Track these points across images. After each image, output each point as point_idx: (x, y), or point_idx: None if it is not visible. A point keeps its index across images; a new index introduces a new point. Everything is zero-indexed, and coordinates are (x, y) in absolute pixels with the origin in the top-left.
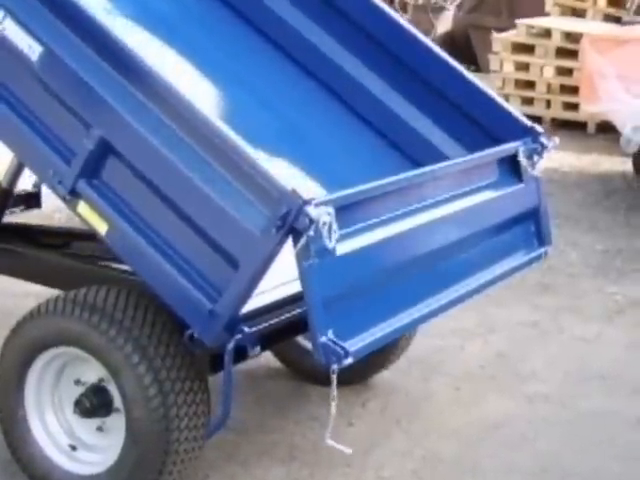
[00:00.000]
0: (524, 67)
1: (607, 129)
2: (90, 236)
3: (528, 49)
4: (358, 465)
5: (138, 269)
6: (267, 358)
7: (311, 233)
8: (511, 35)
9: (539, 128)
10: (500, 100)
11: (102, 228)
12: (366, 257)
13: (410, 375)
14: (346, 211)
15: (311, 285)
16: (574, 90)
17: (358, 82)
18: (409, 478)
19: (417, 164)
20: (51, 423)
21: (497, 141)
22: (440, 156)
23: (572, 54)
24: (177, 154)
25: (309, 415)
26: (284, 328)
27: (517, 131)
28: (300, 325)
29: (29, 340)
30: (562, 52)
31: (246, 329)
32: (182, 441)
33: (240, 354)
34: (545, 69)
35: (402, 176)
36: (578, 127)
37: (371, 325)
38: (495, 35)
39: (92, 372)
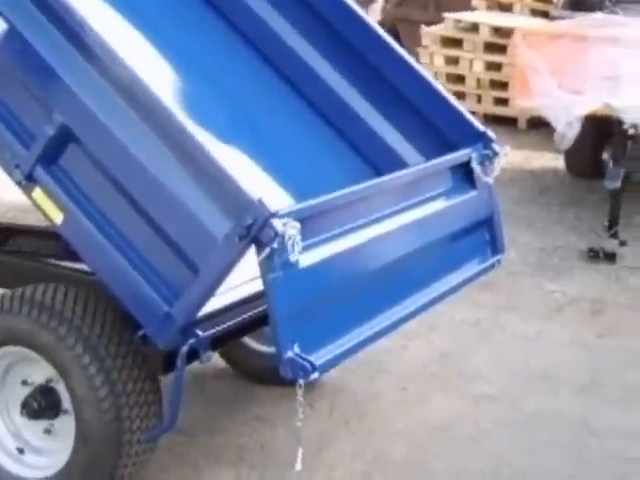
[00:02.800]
0: (454, 61)
1: (538, 125)
2: (29, 232)
3: (457, 43)
4: (308, 466)
5: (92, 264)
6: (213, 358)
7: (275, 245)
8: (439, 29)
9: (491, 134)
10: (455, 103)
11: (57, 217)
12: (329, 268)
13: (356, 374)
14: (309, 222)
15: (276, 298)
16: (504, 85)
17: (318, 76)
18: (360, 479)
19: (369, 162)
20: (1, 425)
21: (449, 146)
22: (393, 157)
23: (501, 49)
24: (141, 150)
25: (255, 416)
26: (235, 330)
27: (470, 136)
28: (249, 327)
29: None
30: (491, 47)
31: (200, 333)
32: (134, 443)
33: (191, 356)
34: (474, 63)
35: (363, 185)
36: (509, 123)
37: (336, 337)
38: (424, 29)
39: (40, 372)
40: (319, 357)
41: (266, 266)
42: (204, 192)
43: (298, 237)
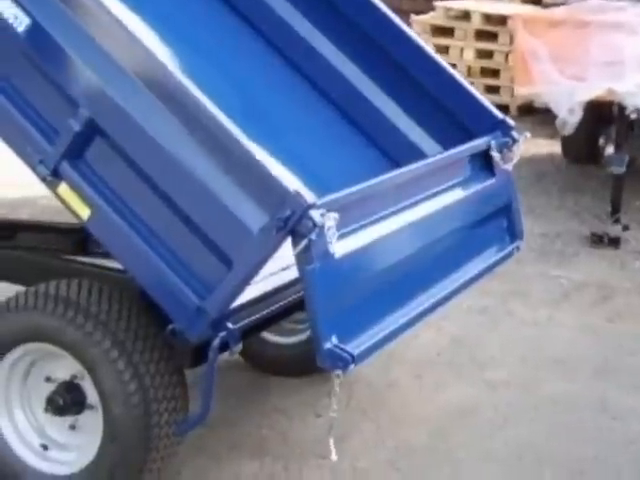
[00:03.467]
0: (444, 50)
1: (530, 111)
2: (35, 227)
3: (447, 32)
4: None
5: (122, 259)
6: None
7: (313, 237)
8: (430, 17)
9: (510, 121)
10: (474, 91)
11: (84, 213)
12: (361, 257)
13: (370, 364)
14: (343, 212)
15: (314, 290)
16: (495, 73)
17: (336, 71)
18: (385, 469)
19: (386, 154)
20: (21, 422)
21: (467, 134)
22: (411, 147)
23: (492, 36)
24: (172, 142)
25: (273, 407)
26: (262, 321)
27: (488, 124)
28: (276, 317)
29: None
30: (481, 35)
31: (231, 326)
32: (163, 437)
33: (221, 348)
34: (465, 51)
35: (392, 174)
36: (500, 110)
37: (371, 327)
38: (414, 17)
39: (64, 369)
40: (356, 347)
41: (304, 258)
42: (238, 185)
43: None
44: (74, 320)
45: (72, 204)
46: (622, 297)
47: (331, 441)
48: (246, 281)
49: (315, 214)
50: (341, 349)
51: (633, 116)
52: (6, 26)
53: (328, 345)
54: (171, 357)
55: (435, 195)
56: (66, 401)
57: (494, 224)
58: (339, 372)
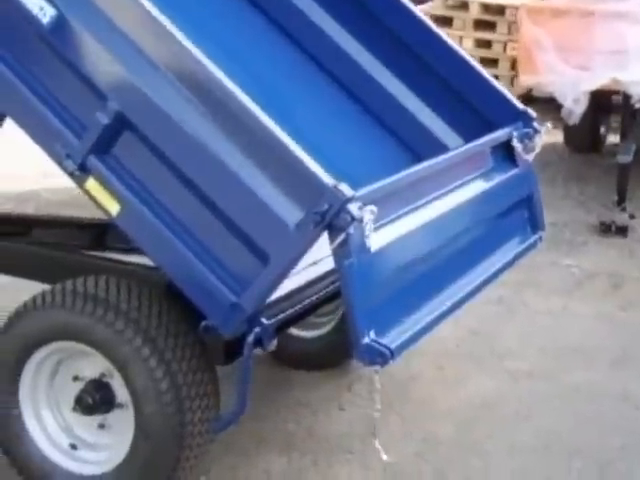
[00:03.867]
0: None
1: (530, 101)
2: (52, 223)
3: (446, 21)
4: (359, 451)
5: (153, 255)
6: None
7: (351, 231)
8: (428, 7)
9: (532, 112)
10: (494, 82)
11: (113, 208)
12: (395, 251)
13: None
14: (378, 205)
15: (352, 284)
16: (494, 62)
17: (353, 60)
18: (414, 461)
19: (407, 147)
20: (48, 422)
21: (489, 125)
22: (432, 140)
23: (490, 26)
24: (207, 137)
25: (297, 401)
26: (294, 316)
27: (509, 115)
28: (308, 311)
29: (25, 336)
30: (481, 24)
31: (265, 321)
32: (195, 435)
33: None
34: (464, 41)
35: (422, 166)
36: None
37: (405, 320)
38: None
39: (92, 367)
40: (393, 341)
41: (341, 252)
42: (275, 178)
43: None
44: (104, 318)
45: (100, 199)
46: (633, 285)
47: (376, 442)
48: (282, 276)
49: (353, 208)
50: (379, 344)
51: (638, 105)
52: (30, 18)
53: (366, 340)
54: (203, 354)
55: (461, 186)
56: (95, 400)
57: (517, 215)
58: (377, 368)
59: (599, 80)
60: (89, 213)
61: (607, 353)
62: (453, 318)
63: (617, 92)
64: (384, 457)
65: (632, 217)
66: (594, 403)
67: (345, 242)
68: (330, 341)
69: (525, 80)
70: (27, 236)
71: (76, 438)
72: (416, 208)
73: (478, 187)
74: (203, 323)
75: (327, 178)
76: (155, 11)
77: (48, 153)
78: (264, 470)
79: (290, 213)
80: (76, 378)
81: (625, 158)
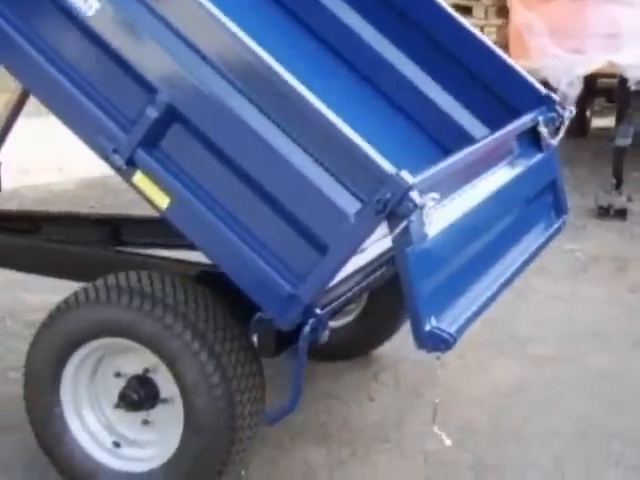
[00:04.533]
0: None
1: None
2: (62, 219)
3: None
4: (396, 440)
5: (205, 248)
6: None
7: (413, 218)
8: None
9: (555, 97)
10: (517, 67)
11: (162, 202)
12: (447, 236)
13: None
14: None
15: (413, 272)
16: None
17: (382, 57)
18: (454, 449)
19: (433, 139)
20: (90, 420)
21: (513, 111)
22: (457, 129)
23: (467, 11)
24: (263, 128)
25: (326, 392)
26: (343, 304)
27: (533, 100)
28: (354, 298)
29: (68, 333)
30: (457, 8)
31: (319, 311)
32: (245, 428)
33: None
34: None
35: (469, 150)
36: None
37: (460, 304)
38: None
39: (134, 363)
40: (452, 326)
41: (402, 240)
42: (334, 168)
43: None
44: (152, 313)
45: (149, 193)
46: (638, 267)
47: (435, 428)
48: (341, 265)
49: (415, 195)
50: (441, 330)
51: (634, 88)
52: (75, 11)
53: (428, 327)
54: (249, 346)
55: (496, 171)
56: (140, 396)
57: (543, 199)
58: (439, 354)
59: (594, 64)
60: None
61: (624, 336)
62: None
63: (612, 75)
64: (447, 442)
65: (630, 200)
66: (622, 387)
67: (406, 229)
68: (354, 330)
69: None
70: (37, 233)
71: (119, 436)
72: (461, 194)
73: (512, 172)
74: (257, 316)
75: (388, 166)
76: (207, 3)
77: (93, 148)
78: (303, 462)
79: (349, 203)
80: (118, 375)
81: (624, 141)
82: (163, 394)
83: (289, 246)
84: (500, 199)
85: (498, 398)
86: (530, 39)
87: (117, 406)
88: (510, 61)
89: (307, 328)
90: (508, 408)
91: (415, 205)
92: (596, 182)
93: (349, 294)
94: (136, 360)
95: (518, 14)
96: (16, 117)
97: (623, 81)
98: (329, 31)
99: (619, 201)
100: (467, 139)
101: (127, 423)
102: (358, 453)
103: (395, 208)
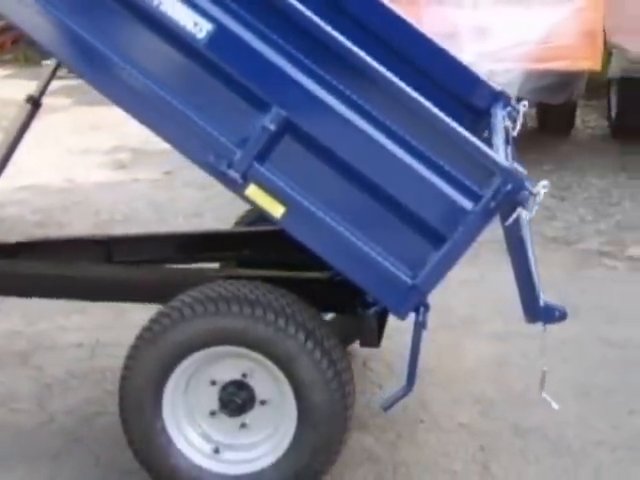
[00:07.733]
0: None
1: None
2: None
3: None
4: (432, 421)
5: (324, 252)
6: None
7: (527, 206)
8: None
9: (508, 93)
10: (469, 66)
11: (277, 211)
12: None
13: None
14: None
15: (527, 254)
16: None
17: None
18: (485, 421)
19: None
20: (190, 429)
21: (470, 108)
22: None
23: None
24: (379, 131)
25: None
26: None
27: (490, 97)
28: None
29: (173, 346)
30: None
31: (428, 301)
32: (351, 417)
33: None
34: None
35: None
36: None
37: None
38: None
39: (229, 370)
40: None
41: (516, 227)
42: (448, 163)
43: None
44: (263, 318)
45: (263, 204)
46: None
47: (543, 393)
48: (460, 256)
49: (529, 185)
50: (553, 304)
51: None
52: (185, 34)
53: (542, 302)
54: (340, 340)
55: None
56: (243, 399)
57: None
58: (546, 327)
59: None
60: None
61: (630, 311)
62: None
63: None
64: (555, 406)
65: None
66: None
67: (519, 217)
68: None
69: None
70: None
71: (216, 442)
72: None
73: None
74: (372, 309)
75: (504, 161)
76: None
77: (201, 165)
78: (361, 449)
79: (466, 195)
80: (213, 382)
81: None
82: (260, 396)
83: (404, 242)
84: None
85: (490, 369)
86: None
87: (215, 413)
88: (461, 60)
89: (420, 317)
90: (507, 377)
91: (531, 193)
92: None
93: None
94: (231, 367)
95: None
96: (25, 131)
97: None
98: None
99: None
100: None
101: (224, 429)
102: (403, 435)
103: (515, 198)
